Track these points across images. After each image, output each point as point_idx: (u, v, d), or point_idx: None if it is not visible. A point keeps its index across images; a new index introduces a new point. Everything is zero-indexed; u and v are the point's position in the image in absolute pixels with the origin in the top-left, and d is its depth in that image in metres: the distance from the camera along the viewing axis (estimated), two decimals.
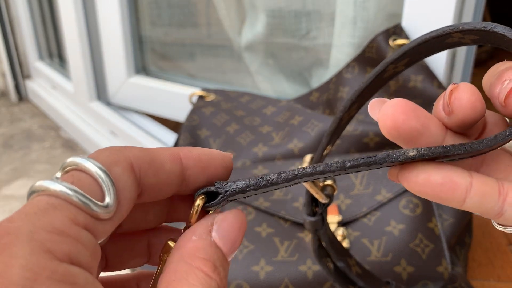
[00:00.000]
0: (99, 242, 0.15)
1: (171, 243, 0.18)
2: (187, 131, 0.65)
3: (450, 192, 0.18)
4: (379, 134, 0.55)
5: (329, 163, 0.18)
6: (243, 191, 0.18)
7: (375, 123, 0.56)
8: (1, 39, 1.36)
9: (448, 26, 0.20)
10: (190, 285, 0.15)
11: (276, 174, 0.18)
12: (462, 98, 0.18)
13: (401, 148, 0.18)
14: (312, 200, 0.30)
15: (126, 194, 0.15)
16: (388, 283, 0.37)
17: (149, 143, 0.88)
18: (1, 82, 1.46)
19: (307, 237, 0.49)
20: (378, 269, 0.47)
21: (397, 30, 0.58)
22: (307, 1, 0.73)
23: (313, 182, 0.28)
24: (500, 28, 0.18)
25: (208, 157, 0.18)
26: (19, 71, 1.43)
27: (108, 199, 0.14)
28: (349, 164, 0.17)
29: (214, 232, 0.17)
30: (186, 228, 0.18)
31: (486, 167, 0.21)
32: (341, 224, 0.49)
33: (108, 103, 1.08)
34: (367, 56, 0.60)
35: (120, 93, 1.03)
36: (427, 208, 0.49)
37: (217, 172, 0.19)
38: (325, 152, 0.27)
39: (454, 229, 0.50)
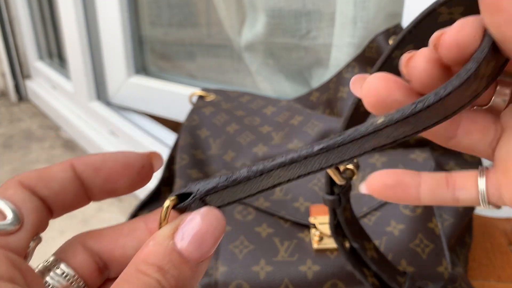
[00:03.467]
0: (28, 256, 0.17)
1: None
2: (187, 131, 0.65)
3: (404, 192, 0.21)
4: None
5: (298, 149, 0.16)
6: (214, 189, 0.17)
7: None
8: (1, 39, 1.36)
9: (433, 3, 0.20)
10: (128, 286, 0.15)
11: (246, 169, 0.17)
12: (418, 66, 0.18)
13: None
14: (331, 181, 0.30)
15: (26, 206, 0.17)
16: (404, 273, 0.38)
17: (149, 143, 0.88)
18: (1, 82, 1.46)
19: (307, 237, 0.49)
20: None
21: (397, 30, 0.58)
22: (307, 1, 0.73)
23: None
24: None
25: (100, 159, 0.19)
26: (19, 71, 1.43)
27: (9, 216, 0.17)
28: (317, 148, 0.16)
29: (177, 234, 0.16)
30: None
31: (462, 129, 0.20)
32: None
33: (108, 103, 1.08)
34: (367, 56, 0.60)
35: (120, 93, 1.03)
36: (427, 208, 0.49)
37: (115, 172, 0.19)
38: None
39: (454, 229, 0.50)
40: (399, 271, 0.36)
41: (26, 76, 1.45)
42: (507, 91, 0.19)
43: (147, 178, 0.20)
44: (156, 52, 1.02)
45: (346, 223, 0.32)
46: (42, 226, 0.18)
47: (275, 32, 0.78)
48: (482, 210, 0.65)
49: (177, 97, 0.90)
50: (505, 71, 0.19)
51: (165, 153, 0.83)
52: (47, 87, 1.33)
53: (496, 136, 0.20)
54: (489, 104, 0.20)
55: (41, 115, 1.32)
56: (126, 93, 1.01)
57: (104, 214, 0.81)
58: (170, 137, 0.91)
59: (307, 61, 0.78)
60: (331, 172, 0.29)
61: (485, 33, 0.17)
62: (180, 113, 0.87)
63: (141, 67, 1.03)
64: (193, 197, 0.17)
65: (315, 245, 0.48)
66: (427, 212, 0.49)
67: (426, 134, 0.20)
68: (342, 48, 0.68)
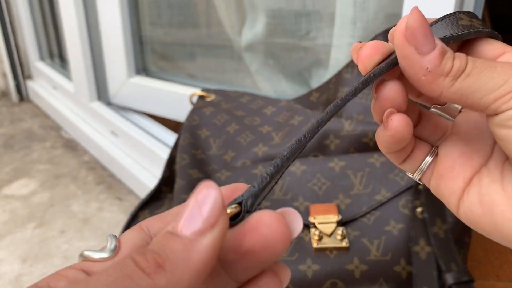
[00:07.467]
0: None
1: None
2: (187, 131, 0.66)
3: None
4: None
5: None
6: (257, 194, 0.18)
7: (374, 124, 0.56)
8: (2, 39, 1.37)
9: None
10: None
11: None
12: (364, 52, 0.22)
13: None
14: None
15: (127, 243, 0.19)
16: None
17: (149, 143, 0.88)
18: (2, 82, 1.46)
19: (307, 236, 0.50)
20: (377, 269, 0.47)
21: None
22: (307, 1, 0.73)
23: None
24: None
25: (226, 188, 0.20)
26: (20, 71, 1.43)
27: (108, 246, 0.18)
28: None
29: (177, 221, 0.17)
30: None
31: (420, 125, 0.24)
32: (340, 223, 0.50)
33: (109, 103, 1.08)
34: None
35: (121, 93, 1.03)
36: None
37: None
38: None
39: (453, 229, 0.50)
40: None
41: (27, 76, 1.45)
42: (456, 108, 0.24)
43: None
44: (157, 52, 1.03)
45: None
46: None
47: (275, 32, 0.78)
48: None
49: (177, 97, 0.90)
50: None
51: (165, 153, 0.83)
52: (48, 87, 1.34)
53: (443, 137, 0.24)
54: (446, 105, 0.24)
55: (42, 115, 1.32)
56: (127, 93, 1.01)
57: (105, 214, 0.82)
58: (170, 137, 0.92)
59: (307, 61, 0.78)
60: None
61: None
62: (180, 113, 0.88)
63: (141, 68, 1.03)
64: (243, 214, 0.17)
65: (315, 245, 0.48)
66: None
67: None
68: (341, 48, 0.68)
